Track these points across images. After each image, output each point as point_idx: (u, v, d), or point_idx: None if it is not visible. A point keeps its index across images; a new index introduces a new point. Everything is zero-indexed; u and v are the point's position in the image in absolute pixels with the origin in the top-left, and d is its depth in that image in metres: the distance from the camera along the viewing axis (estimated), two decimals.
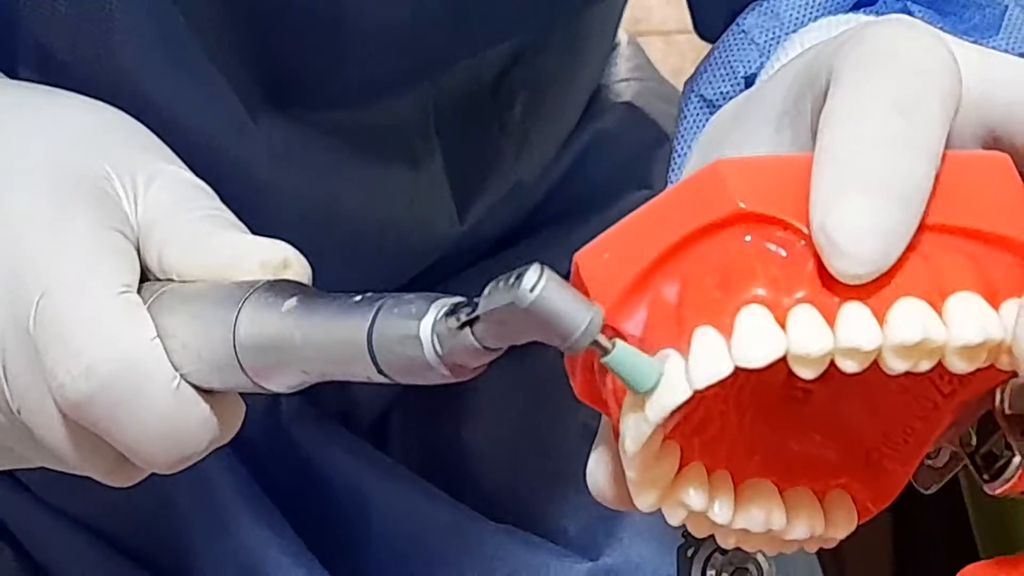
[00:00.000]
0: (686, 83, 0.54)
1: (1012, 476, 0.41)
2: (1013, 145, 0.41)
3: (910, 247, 0.37)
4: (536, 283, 0.35)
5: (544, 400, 0.73)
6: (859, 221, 0.36)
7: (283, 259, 0.43)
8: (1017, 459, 0.41)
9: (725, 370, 0.35)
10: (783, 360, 0.39)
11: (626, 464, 0.38)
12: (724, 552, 0.66)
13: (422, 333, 0.37)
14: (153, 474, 0.69)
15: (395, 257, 0.70)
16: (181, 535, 0.69)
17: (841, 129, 0.37)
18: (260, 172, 0.62)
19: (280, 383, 0.42)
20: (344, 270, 0.66)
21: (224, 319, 0.42)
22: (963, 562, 0.42)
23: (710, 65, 0.52)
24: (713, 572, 0.66)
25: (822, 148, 0.37)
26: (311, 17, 0.59)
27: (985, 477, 0.42)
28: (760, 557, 0.66)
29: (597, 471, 0.43)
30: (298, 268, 0.44)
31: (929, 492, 0.45)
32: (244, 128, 0.61)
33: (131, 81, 0.56)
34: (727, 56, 0.52)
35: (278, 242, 0.44)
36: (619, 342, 0.36)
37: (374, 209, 0.67)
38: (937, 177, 0.37)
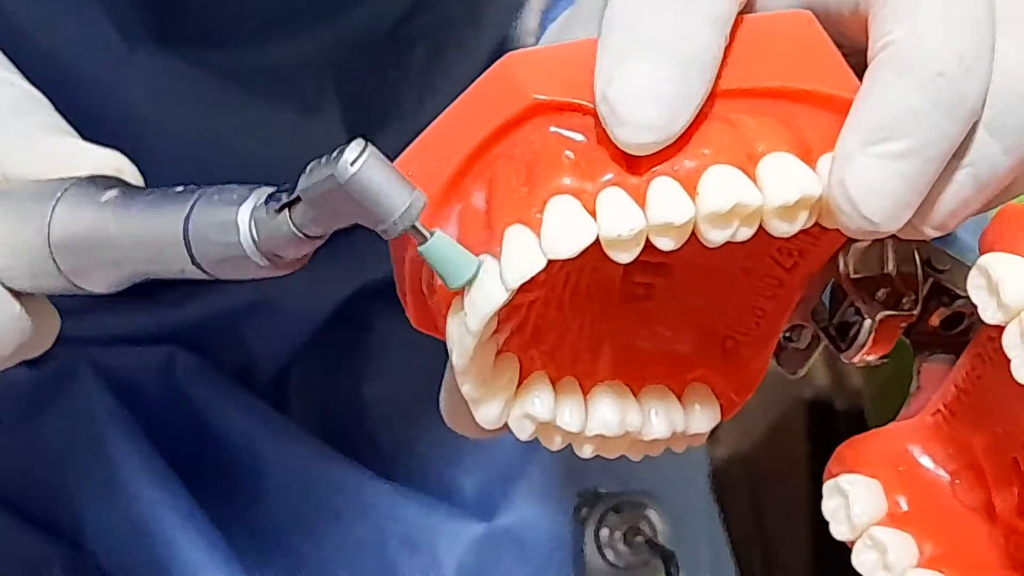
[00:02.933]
0: None
1: (865, 340, 0.40)
2: (827, 12, 0.39)
3: (713, 114, 0.36)
4: (357, 157, 0.33)
5: (445, 358, 0.72)
6: (639, 86, 0.34)
7: (116, 168, 0.42)
8: (868, 322, 0.40)
9: (537, 265, 0.34)
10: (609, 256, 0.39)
11: (460, 380, 0.37)
12: (618, 511, 0.65)
13: (239, 218, 0.36)
14: (44, 429, 0.68)
15: None
16: (75, 495, 0.68)
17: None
18: (139, 108, 0.60)
19: (94, 280, 0.40)
20: None
21: (40, 211, 0.40)
22: None
23: None
24: (607, 531, 0.66)
25: (604, 20, 0.36)
26: None
27: (841, 346, 0.41)
28: (653, 514, 0.65)
29: (447, 401, 0.41)
30: (132, 179, 0.42)
31: (796, 376, 0.44)
32: (121, 61, 0.59)
33: (5, 10, 0.55)
34: None
35: (113, 151, 0.42)
36: (438, 232, 0.34)
37: (261, 154, 0.66)
38: (734, 41, 0.36)
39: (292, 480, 0.69)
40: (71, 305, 0.69)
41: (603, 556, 0.64)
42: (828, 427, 1.25)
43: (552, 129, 0.36)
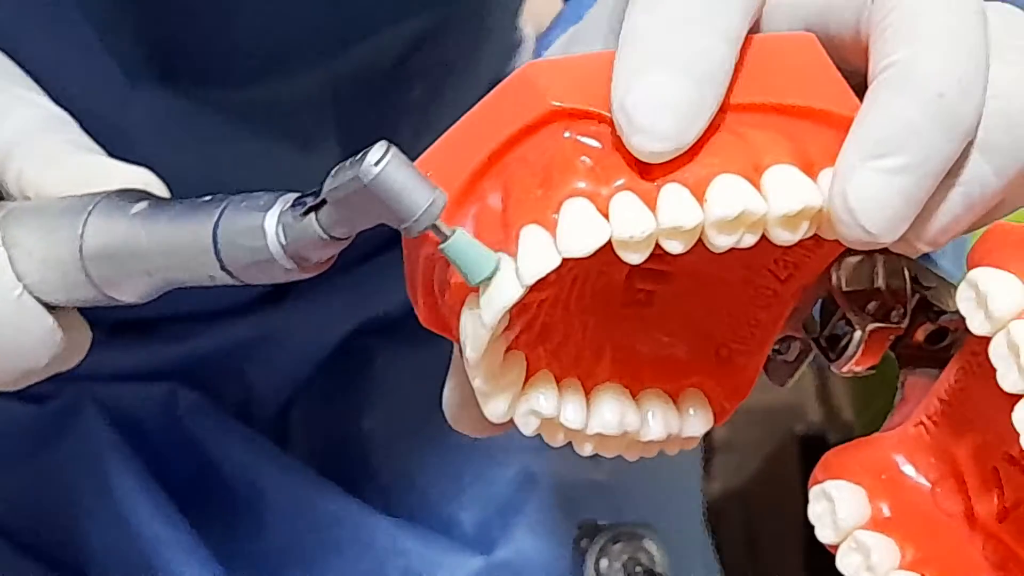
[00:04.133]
0: None
1: (855, 351, 0.42)
2: (828, 36, 0.41)
3: (722, 127, 0.37)
4: (381, 158, 0.34)
5: (442, 388, 0.73)
6: (656, 97, 0.36)
7: (144, 182, 0.43)
8: (858, 333, 0.42)
9: (553, 262, 0.36)
10: (616, 258, 0.40)
11: (471, 374, 0.38)
12: (616, 541, 0.67)
13: (267, 223, 0.37)
14: (50, 465, 0.69)
15: None
16: (80, 529, 0.69)
17: (640, 13, 0.37)
18: (141, 142, 0.61)
19: (126, 291, 0.41)
20: None
21: (71, 224, 0.41)
22: None
23: None
24: (607, 561, 0.67)
25: (623, 34, 0.37)
26: None
27: (831, 357, 0.43)
28: (651, 544, 0.67)
29: (451, 399, 0.43)
30: (159, 193, 0.43)
31: (784, 386, 0.45)
32: (124, 97, 0.60)
33: (10, 38, 0.56)
34: None
35: (141, 167, 0.44)
36: (459, 229, 0.36)
37: (261, 188, 0.67)
38: (743, 59, 0.38)
39: (293, 513, 0.70)
40: None
41: None
42: None
43: (568, 135, 0.37)
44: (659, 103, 0.36)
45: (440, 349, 0.71)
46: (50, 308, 0.43)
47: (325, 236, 0.37)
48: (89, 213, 0.41)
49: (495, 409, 0.39)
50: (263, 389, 0.75)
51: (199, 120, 0.63)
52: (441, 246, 0.36)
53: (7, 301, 0.42)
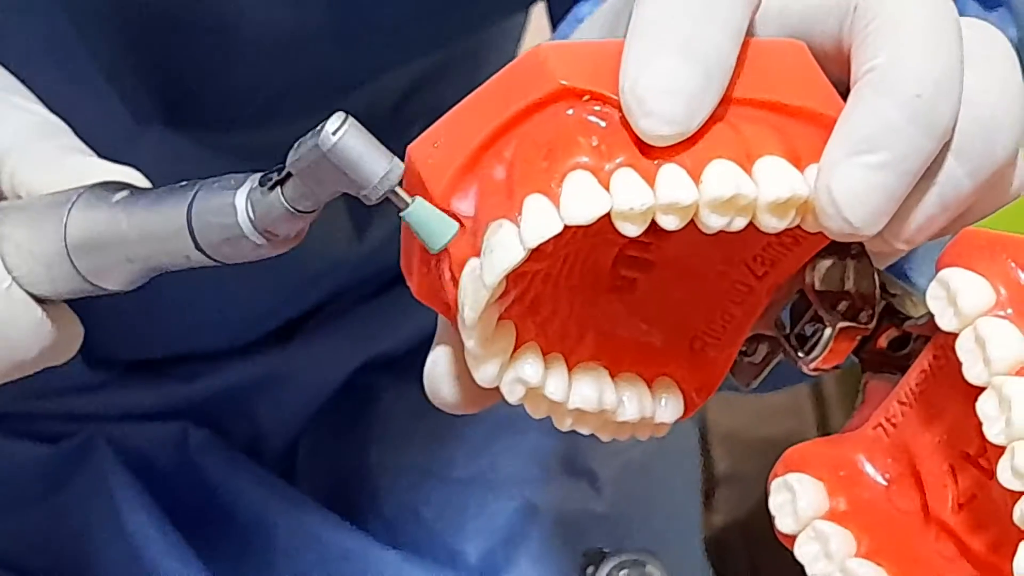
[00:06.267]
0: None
1: (824, 348, 0.44)
2: (811, 46, 0.44)
3: (719, 118, 0.40)
4: (339, 128, 0.37)
5: (448, 425, 0.75)
6: (665, 83, 0.38)
7: (131, 179, 0.44)
8: (828, 330, 0.44)
9: (555, 228, 0.38)
10: (607, 240, 0.42)
11: (466, 335, 0.40)
12: (622, 568, 0.68)
13: (237, 200, 0.39)
14: (65, 504, 0.70)
15: (290, 274, 0.72)
16: (92, 566, 0.71)
17: (651, 4, 0.40)
18: (149, 180, 0.63)
19: (111, 279, 0.43)
20: (234, 291, 0.67)
21: (56, 215, 0.43)
22: None
23: None
24: None
25: (632, 23, 0.40)
26: (198, 28, 0.61)
27: (800, 355, 0.45)
28: (655, 571, 0.69)
29: (435, 372, 0.44)
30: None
31: (749, 388, 0.47)
32: (131, 138, 0.62)
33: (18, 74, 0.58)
34: None
35: (130, 168, 0.45)
36: (418, 198, 0.38)
37: None
38: (741, 57, 0.40)
39: (302, 547, 0.72)
40: (86, 383, 0.72)
41: None
42: None
43: (573, 113, 0.39)
44: (669, 88, 0.38)
45: None
46: (40, 301, 0.44)
47: (291, 209, 0.39)
48: (72, 204, 0.43)
49: (485, 373, 0.41)
50: (271, 426, 0.77)
51: (206, 161, 0.64)
52: (401, 213, 0.38)
53: None
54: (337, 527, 0.72)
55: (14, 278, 0.43)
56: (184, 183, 0.41)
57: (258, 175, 0.40)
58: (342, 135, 0.37)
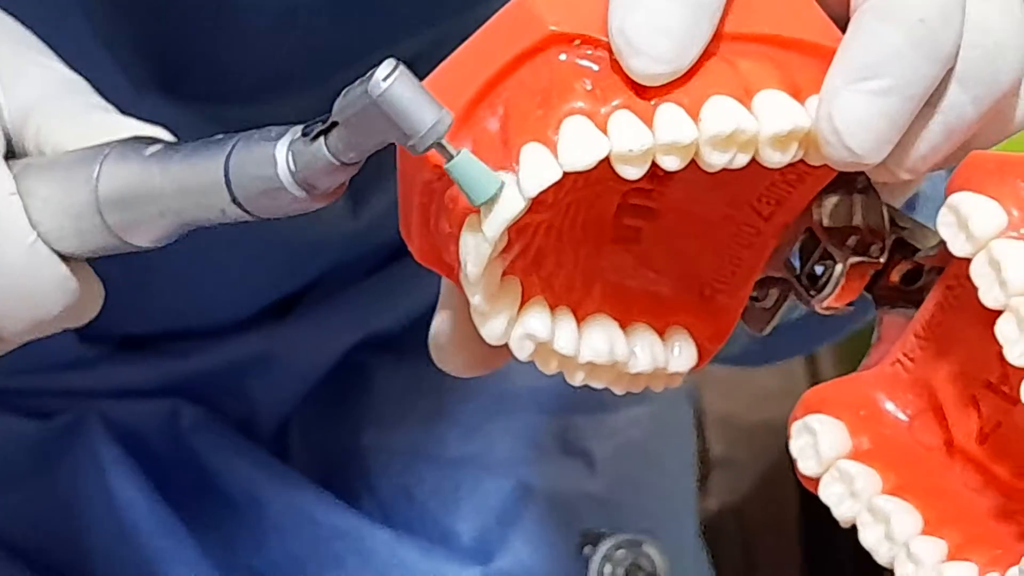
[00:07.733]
0: None
1: (836, 285, 0.43)
2: None
3: (714, 54, 0.39)
4: (390, 74, 0.35)
5: (442, 405, 0.75)
6: (654, 22, 0.38)
7: (158, 136, 0.44)
8: (839, 267, 0.43)
9: (554, 175, 0.37)
10: (608, 187, 0.42)
11: (470, 292, 0.39)
12: (619, 548, 0.68)
13: (277, 151, 0.38)
14: (56, 480, 0.70)
15: (286, 249, 0.71)
16: (83, 543, 0.70)
17: None
18: None
19: (141, 234, 0.42)
20: (229, 266, 0.67)
21: (87, 169, 0.42)
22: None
23: None
24: (610, 567, 0.68)
25: None
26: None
27: (811, 294, 0.44)
28: (652, 551, 0.68)
29: (440, 336, 0.44)
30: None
31: (762, 333, 0.46)
32: (129, 105, 0.61)
33: None
34: None
35: (157, 126, 0.44)
36: (464, 150, 0.37)
37: None
38: None
39: (294, 526, 0.71)
40: (79, 359, 0.71)
41: None
42: None
43: (565, 58, 0.39)
44: (657, 27, 0.38)
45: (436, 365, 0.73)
46: (63, 258, 0.43)
47: (335, 160, 0.38)
48: (105, 157, 0.42)
49: (493, 329, 0.40)
50: (264, 404, 0.76)
51: (204, 132, 0.64)
52: (446, 165, 0.37)
53: (21, 247, 0.42)
54: (330, 506, 0.72)
55: (39, 234, 0.42)
56: (221, 136, 0.40)
57: (300, 126, 0.38)
58: (393, 81, 0.35)
